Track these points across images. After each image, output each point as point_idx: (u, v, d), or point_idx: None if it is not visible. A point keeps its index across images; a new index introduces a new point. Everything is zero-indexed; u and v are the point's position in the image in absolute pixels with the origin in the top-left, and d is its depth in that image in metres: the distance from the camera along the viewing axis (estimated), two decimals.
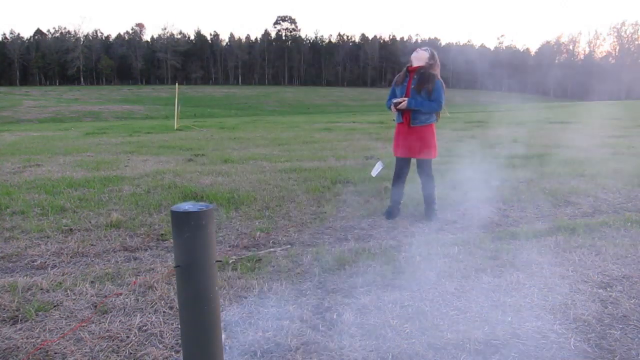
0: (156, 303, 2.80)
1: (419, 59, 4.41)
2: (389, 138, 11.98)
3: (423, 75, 4.33)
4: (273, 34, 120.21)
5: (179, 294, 1.70)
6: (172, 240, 2.84)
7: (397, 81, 4.50)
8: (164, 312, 2.70)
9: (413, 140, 4.42)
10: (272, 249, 3.77)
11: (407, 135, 4.44)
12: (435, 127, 4.50)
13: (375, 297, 2.88)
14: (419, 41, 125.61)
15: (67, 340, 2.41)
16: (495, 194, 5.47)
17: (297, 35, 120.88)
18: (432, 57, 4.41)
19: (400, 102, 4.32)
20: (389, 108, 4.51)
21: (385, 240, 3.96)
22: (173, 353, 2.29)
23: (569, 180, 6.34)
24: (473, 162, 7.88)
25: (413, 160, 4.64)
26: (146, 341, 2.40)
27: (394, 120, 4.54)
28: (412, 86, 4.35)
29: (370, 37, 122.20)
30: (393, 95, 4.51)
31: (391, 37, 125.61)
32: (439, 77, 4.42)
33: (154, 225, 4.39)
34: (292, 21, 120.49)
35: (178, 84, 24.64)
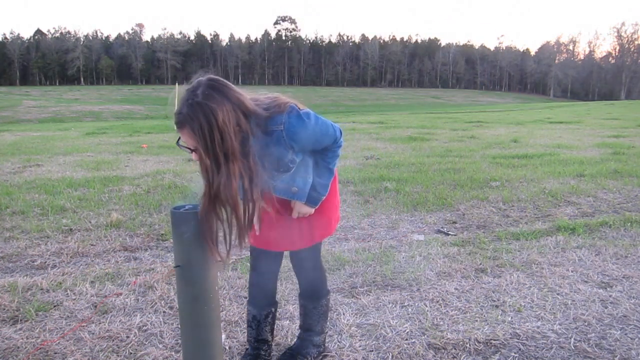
0: (156, 303, 2.80)
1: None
2: (389, 138, 11.97)
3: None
4: (273, 34, 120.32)
5: (179, 294, 1.70)
6: (172, 240, 2.84)
7: None
8: (164, 312, 2.70)
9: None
10: None
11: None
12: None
13: (375, 297, 2.88)
14: (419, 41, 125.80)
15: (67, 340, 2.41)
16: (495, 194, 5.47)
17: (297, 35, 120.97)
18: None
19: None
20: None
21: (385, 240, 3.96)
22: (173, 353, 2.29)
23: (569, 180, 6.34)
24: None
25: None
26: (146, 341, 2.40)
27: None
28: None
29: (370, 37, 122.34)
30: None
31: (391, 37, 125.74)
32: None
33: (154, 225, 4.38)
34: (292, 21, 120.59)
35: (178, 84, 24.63)
